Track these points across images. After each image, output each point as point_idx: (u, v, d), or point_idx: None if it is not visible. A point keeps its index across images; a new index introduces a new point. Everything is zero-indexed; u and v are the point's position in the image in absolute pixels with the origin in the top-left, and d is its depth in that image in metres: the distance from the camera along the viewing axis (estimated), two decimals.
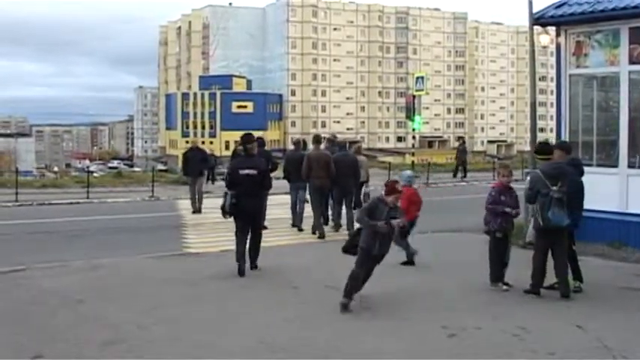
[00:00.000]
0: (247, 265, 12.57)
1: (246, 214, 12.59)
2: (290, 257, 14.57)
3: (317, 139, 18.62)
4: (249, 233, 12.75)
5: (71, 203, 27.04)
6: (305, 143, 20.87)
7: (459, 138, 49.40)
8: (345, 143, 20.77)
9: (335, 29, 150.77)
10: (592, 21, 15.25)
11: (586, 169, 12.00)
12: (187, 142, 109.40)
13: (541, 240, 10.74)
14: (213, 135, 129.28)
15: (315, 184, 17.48)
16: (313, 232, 17.54)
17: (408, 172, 14.83)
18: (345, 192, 17.56)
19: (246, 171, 12.66)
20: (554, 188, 10.40)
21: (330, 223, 18.53)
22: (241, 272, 12.41)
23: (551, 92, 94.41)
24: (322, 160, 17.48)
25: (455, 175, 40.92)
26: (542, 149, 11.82)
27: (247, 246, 12.71)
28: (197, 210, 22.44)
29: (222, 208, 12.67)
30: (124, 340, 8.41)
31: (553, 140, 15.05)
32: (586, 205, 11.34)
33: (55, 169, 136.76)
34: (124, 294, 11.02)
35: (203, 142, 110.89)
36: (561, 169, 10.75)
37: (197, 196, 22.80)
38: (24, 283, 11.76)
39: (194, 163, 23.47)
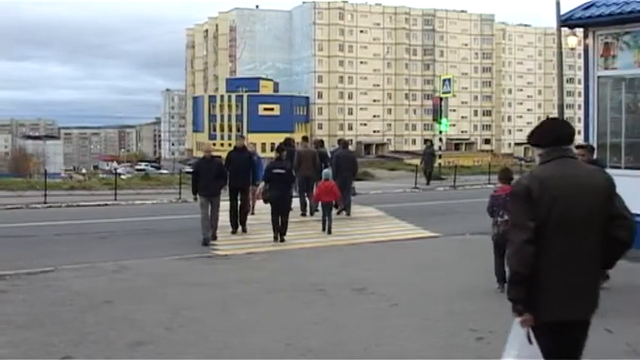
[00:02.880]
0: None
1: (277, 200, 17.11)
2: (316, 260, 14.60)
3: (305, 139, 24.94)
4: (280, 214, 17.24)
5: (99, 205, 27.20)
6: (346, 142, 25.38)
7: (426, 141, 42.29)
8: (347, 143, 25.51)
9: (362, 31, 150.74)
10: (620, 22, 15.14)
11: (614, 171, 12.02)
12: (214, 144, 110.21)
13: None
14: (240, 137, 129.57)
15: (303, 174, 21.07)
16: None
17: (326, 171, 19.96)
18: (345, 182, 21.48)
19: (277, 170, 17.38)
20: None
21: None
22: (275, 239, 17.04)
23: (579, 94, 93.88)
24: (309, 156, 21.90)
25: (428, 182, 36.62)
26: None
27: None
28: (208, 241, 16.86)
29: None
30: (151, 341, 8.46)
31: (581, 142, 14.95)
32: None
33: (83, 171, 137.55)
34: (151, 295, 11.09)
35: (230, 145, 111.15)
36: None
37: (211, 222, 17.31)
38: (53, 284, 11.86)
39: (208, 177, 17.30)
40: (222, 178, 17.73)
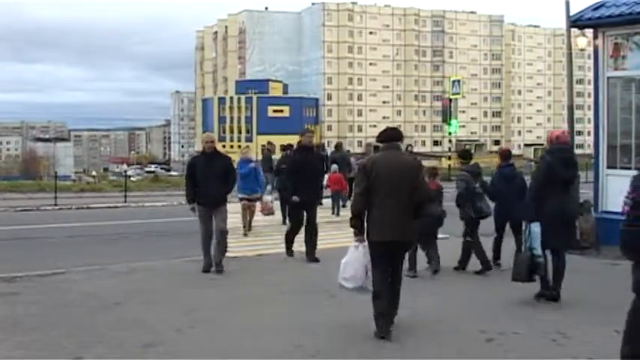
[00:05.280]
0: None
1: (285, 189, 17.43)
2: (325, 262, 14.57)
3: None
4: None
5: (109, 207, 27.29)
6: (338, 145, 29.89)
7: (408, 146, 35.65)
8: (340, 144, 29.85)
9: (371, 33, 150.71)
10: (630, 23, 15.11)
11: (624, 172, 12.18)
12: (223, 145, 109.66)
13: (474, 227, 13.02)
14: (249, 139, 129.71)
15: None
16: None
17: (334, 166, 23.85)
18: None
19: (285, 166, 17.09)
20: (477, 185, 12.88)
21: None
22: (284, 223, 18.66)
23: (589, 95, 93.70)
24: None
25: None
26: (468, 155, 14.07)
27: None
28: (209, 267, 13.02)
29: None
30: (162, 342, 8.47)
31: (591, 143, 15.02)
32: None
33: (94, 173, 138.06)
34: (161, 297, 11.11)
35: (239, 147, 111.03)
36: (479, 168, 13.59)
37: (217, 243, 13.03)
38: (63, 286, 11.89)
39: (210, 181, 12.84)
40: (231, 182, 13.41)
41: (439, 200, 12.68)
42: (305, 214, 14.33)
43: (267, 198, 20.03)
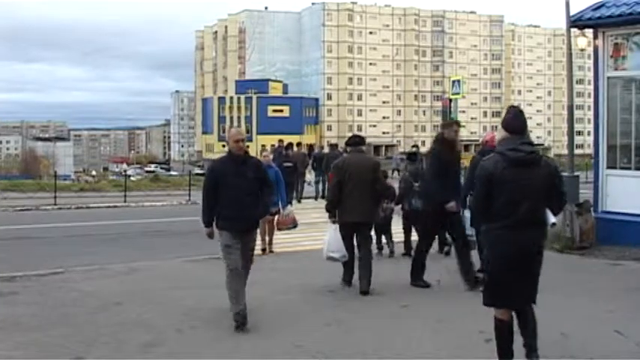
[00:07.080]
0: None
1: (288, 184, 20.72)
2: (325, 262, 14.57)
3: (298, 144, 31.15)
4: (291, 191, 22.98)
5: (109, 207, 27.26)
6: (332, 145, 33.63)
7: (413, 146, 31.34)
8: (335, 145, 33.06)
9: (371, 33, 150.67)
10: (631, 23, 15.09)
11: (624, 172, 12.19)
12: (223, 145, 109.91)
13: (408, 217, 14.89)
14: (249, 139, 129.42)
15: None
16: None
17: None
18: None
19: (286, 164, 23.45)
20: (416, 184, 14.46)
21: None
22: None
23: (589, 95, 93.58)
24: (300, 157, 28.90)
25: None
26: (414, 157, 16.26)
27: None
28: (244, 319, 8.97)
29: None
30: (163, 342, 8.47)
31: (591, 143, 15.03)
32: (626, 210, 11.26)
33: (93, 172, 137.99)
34: (161, 297, 11.10)
35: None
36: (423, 169, 14.98)
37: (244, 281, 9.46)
38: (63, 285, 11.88)
39: (242, 194, 9.11)
40: (267, 198, 9.97)
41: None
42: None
43: (288, 209, 15.93)
